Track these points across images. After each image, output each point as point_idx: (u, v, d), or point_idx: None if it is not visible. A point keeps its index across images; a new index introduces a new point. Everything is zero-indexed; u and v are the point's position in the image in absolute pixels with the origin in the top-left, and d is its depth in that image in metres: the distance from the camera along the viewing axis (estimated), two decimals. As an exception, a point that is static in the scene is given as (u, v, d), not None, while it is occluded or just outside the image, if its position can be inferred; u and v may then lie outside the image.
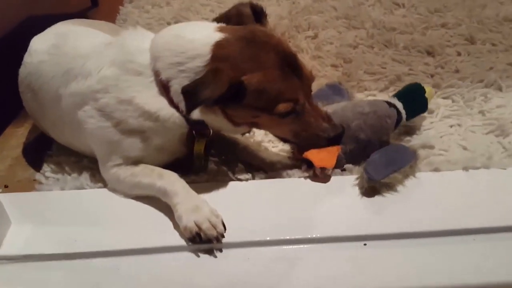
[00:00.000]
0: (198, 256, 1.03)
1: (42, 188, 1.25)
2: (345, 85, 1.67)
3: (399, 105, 1.36)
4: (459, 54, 1.88)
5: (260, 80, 1.08)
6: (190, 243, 1.03)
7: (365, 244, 1.04)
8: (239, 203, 1.15)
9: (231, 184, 1.20)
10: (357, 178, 1.20)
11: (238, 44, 1.10)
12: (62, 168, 1.33)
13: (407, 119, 1.38)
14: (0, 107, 1.62)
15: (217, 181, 1.21)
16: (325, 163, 1.19)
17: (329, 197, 1.17)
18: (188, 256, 1.03)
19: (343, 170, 1.23)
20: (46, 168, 1.35)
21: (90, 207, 1.16)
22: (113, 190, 1.19)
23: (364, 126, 1.25)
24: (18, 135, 1.60)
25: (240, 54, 1.09)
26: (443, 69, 1.78)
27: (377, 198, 1.16)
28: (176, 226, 1.06)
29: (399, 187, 1.18)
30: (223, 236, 1.02)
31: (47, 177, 1.32)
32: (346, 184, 1.20)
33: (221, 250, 1.03)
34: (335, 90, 1.48)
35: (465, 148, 1.34)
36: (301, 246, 1.04)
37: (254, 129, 1.40)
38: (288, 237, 1.05)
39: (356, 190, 1.18)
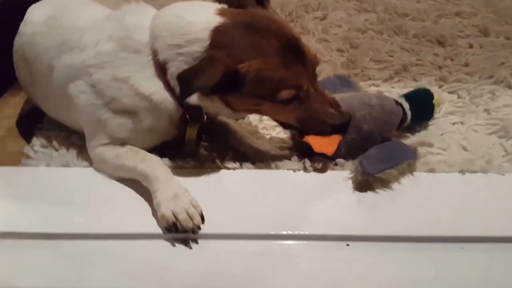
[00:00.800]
0: (174, 245, 0.98)
1: (29, 163, 1.21)
2: (349, 72, 1.61)
3: (406, 106, 1.29)
4: (470, 46, 1.78)
5: (258, 68, 1.02)
6: (166, 232, 0.97)
7: (347, 245, 0.98)
8: (222, 193, 1.10)
9: (217, 172, 1.15)
10: (350, 173, 1.14)
11: (238, 31, 1.04)
12: (51, 142, 1.28)
13: (411, 122, 1.31)
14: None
15: (204, 168, 1.16)
16: (325, 149, 1.14)
17: (317, 192, 1.12)
18: (165, 244, 0.98)
19: (335, 164, 1.16)
20: (36, 141, 1.30)
21: (74, 187, 1.12)
22: (98, 170, 1.15)
23: (368, 118, 1.18)
24: (13, 104, 1.56)
25: (239, 41, 1.03)
26: (452, 61, 1.69)
27: (369, 194, 1.10)
28: (155, 213, 1.01)
29: (394, 185, 1.12)
30: (199, 228, 0.98)
31: (35, 151, 1.27)
32: (337, 179, 1.14)
33: (196, 242, 0.98)
34: (343, 81, 1.41)
35: (465, 149, 1.27)
36: (280, 242, 0.99)
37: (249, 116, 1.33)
38: (268, 232, 1.00)
39: (347, 185, 1.12)
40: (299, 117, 1.11)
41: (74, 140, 1.27)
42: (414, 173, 1.15)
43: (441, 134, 1.33)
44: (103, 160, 1.13)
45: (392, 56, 1.71)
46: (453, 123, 1.38)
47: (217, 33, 1.04)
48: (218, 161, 1.16)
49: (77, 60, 1.12)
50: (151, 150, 1.15)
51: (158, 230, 1.00)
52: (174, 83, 1.06)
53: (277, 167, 1.16)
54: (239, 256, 0.96)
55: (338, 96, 1.20)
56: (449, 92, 1.52)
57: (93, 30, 1.13)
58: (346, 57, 1.71)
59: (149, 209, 1.04)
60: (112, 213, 1.05)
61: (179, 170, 1.14)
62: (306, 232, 1.00)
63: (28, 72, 1.30)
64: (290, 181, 1.13)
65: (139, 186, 1.09)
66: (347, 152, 1.18)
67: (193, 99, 1.06)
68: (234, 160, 1.19)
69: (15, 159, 1.27)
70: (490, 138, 1.32)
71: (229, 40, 1.03)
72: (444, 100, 1.42)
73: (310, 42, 1.81)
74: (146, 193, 1.07)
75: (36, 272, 0.94)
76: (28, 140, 1.35)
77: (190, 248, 0.98)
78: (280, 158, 1.18)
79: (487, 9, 2.02)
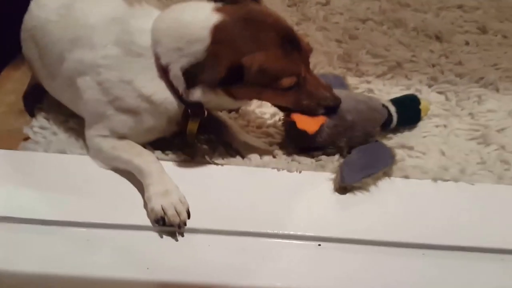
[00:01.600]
0: (162, 237, 1.10)
1: (27, 146, 1.31)
2: (345, 65, 1.68)
3: (392, 109, 1.38)
4: (467, 43, 1.85)
5: (262, 60, 1.11)
6: (155, 224, 1.09)
7: (319, 245, 1.10)
8: (209, 188, 1.20)
9: (206, 167, 1.25)
10: (331, 174, 1.24)
11: (237, 26, 1.13)
12: (50, 125, 1.38)
13: (400, 122, 1.39)
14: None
15: (194, 162, 1.26)
16: (308, 126, 1.22)
17: (298, 192, 1.22)
18: (153, 235, 1.10)
19: (317, 161, 1.27)
20: (35, 122, 1.40)
21: (70, 174, 1.22)
22: (93, 158, 1.25)
23: (353, 110, 1.27)
24: (14, 78, 1.64)
25: (240, 35, 1.12)
26: (447, 58, 1.76)
27: (347, 197, 1.20)
28: (146, 205, 1.13)
29: (372, 188, 1.23)
30: (185, 224, 1.09)
31: (35, 132, 1.38)
32: (319, 180, 1.24)
33: (182, 235, 1.10)
34: (338, 81, 1.50)
35: (443, 153, 1.36)
36: (260, 239, 1.10)
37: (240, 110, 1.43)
38: (249, 230, 1.11)
39: (328, 187, 1.22)
40: (296, 101, 1.21)
41: (71, 124, 1.37)
42: (391, 177, 1.25)
43: (424, 137, 1.43)
44: (100, 150, 1.23)
45: (388, 51, 1.78)
46: (437, 126, 1.47)
47: (217, 30, 1.12)
48: (207, 157, 1.26)
49: (87, 58, 1.20)
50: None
51: (148, 222, 1.11)
52: (177, 82, 1.15)
53: (263, 165, 1.27)
54: (221, 251, 1.08)
55: None
56: (438, 93, 1.60)
57: (102, 30, 1.20)
58: (343, 48, 1.78)
59: (141, 201, 1.15)
60: (105, 202, 1.15)
61: (170, 162, 1.24)
62: (285, 232, 1.11)
63: (37, 53, 1.37)
64: (274, 179, 1.24)
65: (132, 177, 1.19)
66: (328, 137, 1.27)
67: (197, 95, 1.15)
68: (225, 155, 1.29)
69: (14, 137, 1.37)
70: (469, 144, 1.41)
71: (230, 35, 1.12)
72: (429, 107, 1.49)
73: (310, 30, 1.88)
74: (138, 185, 1.18)
75: (30, 256, 1.05)
76: (28, 118, 1.44)
77: (177, 240, 1.10)
78: (268, 153, 1.28)
79: (490, 3, 2.07)
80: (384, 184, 1.24)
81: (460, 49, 1.80)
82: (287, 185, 1.23)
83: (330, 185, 1.23)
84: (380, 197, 1.20)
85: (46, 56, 1.32)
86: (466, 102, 1.56)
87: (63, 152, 1.28)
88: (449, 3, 2.07)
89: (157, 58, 1.15)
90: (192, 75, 1.11)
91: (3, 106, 1.53)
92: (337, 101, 1.23)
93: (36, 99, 1.50)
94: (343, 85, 1.49)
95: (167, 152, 1.28)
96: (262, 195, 1.20)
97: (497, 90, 1.61)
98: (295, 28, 1.77)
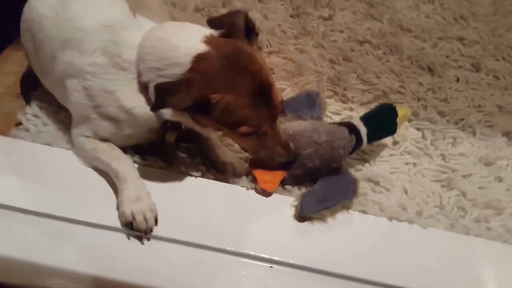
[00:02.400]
0: (129, 239, 1.23)
1: (16, 133, 1.44)
2: (333, 88, 1.78)
3: (363, 131, 1.46)
4: (457, 80, 1.94)
5: (229, 102, 1.18)
6: (123, 227, 1.23)
7: (271, 267, 1.24)
8: (179, 198, 1.33)
9: (180, 176, 1.38)
10: (295, 200, 1.37)
11: (219, 62, 1.19)
12: (42, 114, 1.50)
13: (373, 140, 1.50)
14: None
15: (169, 170, 1.39)
16: (268, 186, 1.36)
17: (261, 213, 1.35)
18: (121, 237, 1.24)
19: (283, 188, 1.39)
20: (29, 109, 1.53)
21: (53, 167, 1.35)
22: (77, 155, 1.38)
23: (314, 156, 1.37)
24: (14, 60, 1.75)
25: (218, 72, 1.18)
26: (433, 93, 1.86)
27: (305, 224, 1.33)
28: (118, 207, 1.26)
29: (329, 218, 1.35)
30: (151, 231, 1.22)
31: (27, 119, 1.50)
32: (282, 204, 1.36)
33: (148, 239, 1.23)
34: (310, 101, 1.59)
35: (405, 192, 1.48)
36: (218, 254, 1.24)
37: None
38: (208, 244, 1.24)
39: (291, 212, 1.35)
40: (252, 147, 1.32)
41: (61, 117, 1.49)
42: (350, 210, 1.38)
43: (391, 173, 1.54)
44: (82, 149, 1.35)
45: (378, 78, 1.88)
46: (407, 163, 1.58)
47: (199, 60, 1.19)
48: (182, 167, 1.38)
49: (76, 61, 1.30)
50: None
51: (118, 224, 1.24)
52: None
53: (234, 182, 1.39)
54: (180, 260, 1.21)
55: (292, 127, 1.41)
56: (416, 129, 1.71)
57: (93, 36, 1.30)
58: (335, 70, 1.88)
59: (115, 202, 1.28)
60: (81, 200, 1.29)
61: (146, 168, 1.37)
62: (241, 250, 1.24)
63: (33, 47, 1.47)
64: (241, 197, 1.36)
65: (110, 179, 1.32)
66: (293, 183, 1.41)
67: (168, 114, 1.26)
68: (200, 166, 1.42)
69: (7, 121, 1.50)
70: (433, 185, 1.53)
71: (209, 69, 1.19)
72: (408, 113, 1.59)
73: (306, 46, 1.97)
74: (114, 187, 1.30)
75: (10, 242, 1.19)
76: (23, 103, 1.56)
77: (142, 244, 1.23)
78: (240, 173, 1.40)
79: (490, 40, 2.15)
80: (342, 216, 1.36)
81: (449, 85, 1.90)
82: (252, 205, 1.36)
83: (292, 211, 1.35)
84: (335, 229, 1.33)
85: (40, 52, 1.43)
86: (440, 142, 1.66)
87: (49, 144, 1.40)
88: (450, 33, 2.15)
89: (139, 75, 1.25)
90: (162, 92, 1.16)
91: (1, 87, 1.65)
92: (291, 157, 1.32)
93: (33, 86, 1.61)
94: (314, 104, 1.58)
95: (147, 157, 1.41)
96: (227, 211, 1.33)
97: (474, 134, 1.71)
98: (293, 42, 1.90)
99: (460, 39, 2.14)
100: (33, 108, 1.53)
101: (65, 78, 1.33)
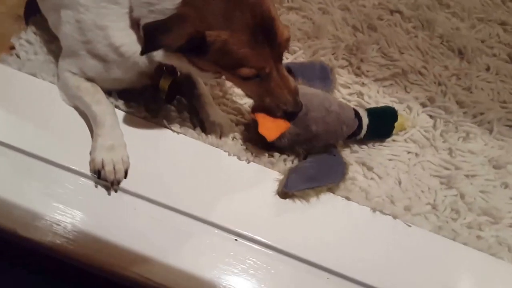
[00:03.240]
0: (96, 187, 1.21)
1: (7, 58, 1.40)
2: (349, 59, 1.67)
3: (365, 121, 1.40)
4: (488, 68, 1.80)
5: (225, 40, 1.09)
6: (92, 174, 1.20)
7: (236, 240, 1.20)
8: (157, 153, 1.29)
9: (162, 130, 1.33)
10: (280, 175, 1.31)
11: None
12: (35, 41, 1.46)
13: (368, 135, 1.43)
14: None
15: (151, 121, 1.33)
16: (267, 133, 1.27)
17: (241, 183, 1.29)
18: (88, 184, 1.21)
19: (270, 156, 1.33)
20: (24, 34, 1.48)
21: (33, 100, 1.32)
22: (60, 89, 1.34)
23: (320, 121, 1.31)
24: (21, -20, 1.69)
25: (213, 6, 1.09)
26: (458, 80, 1.74)
27: (286, 202, 1.28)
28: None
29: (313, 199, 1.29)
30: (118, 183, 1.19)
31: (20, 45, 1.47)
32: (268, 177, 1.30)
33: (116, 191, 1.20)
34: (324, 74, 1.51)
35: (399, 183, 1.40)
36: (183, 217, 1.20)
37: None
38: (175, 206, 1.20)
39: (272, 186, 1.29)
40: (256, 92, 1.24)
41: (53, 47, 1.44)
42: (334, 194, 1.31)
43: (389, 160, 1.46)
44: (66, 84, 1.31)
45: (402, 53, 1.76)
46: (408, 152, 1.49)
47: None
48: (165, 121, 1.33)
49: None
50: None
51: (87, 170, 1.21)
52: None
53: (219, 145, 1.33)
54: (143, 218, 1.18)
55: (304, 89, 1.33)
56: (429, 116, 1.60)
57: None
58: (355, 38, 1.76)
59: (89, 147, 1.25)
60: (56, 139, 1.26)
61: (128, 116, 1.32)
62: (207, 218, 1.20)
63: None
64: (222, 162, 1.31)
65: (89, 122, 1.28)
66: (289, 143, 1.33)
67: (159, 55, 1.17)
68: (186, 122, 1.36)
69: (2, 43, 1.46)
70: (431, 180, 1.44)
71: (203, 2, 1.08)
72: (407, 124, 1.51)
73: (331, 6, 1.84)
74: (92, 131, 1.27)
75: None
76: (26, 23, 1.52)
77: (109, 194, 1.20)
78: (228, 134, 1.35)
79: (537, 29, 1.97)
80: (325, 199, 1.30)
81: (477, 73, 1.76)
82: (233, 173, 1.30)
83: (274, 186, 1.29)
84: (314, 211, 1.27)
85: None
86: (451, 135, 1.56)
87: (34, 74, 1.36)
88: (493, 16, 1.99)
89: (131, 10, 1.17)
90: (152, 32, 1.08)
91: (3, 7, 1.60)
92: (298, 108, 1.24)
93: (36, 8, 1.55)
94: (327, 78, 1.50)
95: (131, 104, 1.35)
96: (203, 175, 1.28)
97: (491, 131, 1.60)
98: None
99: (503, 24, 1.98)
100: (28, 34, 1.49)
101: (60, 7, 1.27)
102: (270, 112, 1.25)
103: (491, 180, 1.48)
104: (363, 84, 1.63)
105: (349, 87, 1.60)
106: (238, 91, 1.49)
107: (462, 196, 1.41)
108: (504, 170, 1.50)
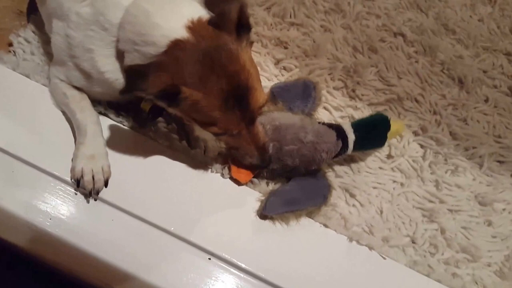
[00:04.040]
0: (76, 193, 1.24)
1: (3, 56, 1.43)
2: (345, 80, 1.67)
3: (351, 138, 1.40)
4: (486, 100, 1.79)
5: (197, 100, 1.11)
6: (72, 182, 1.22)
7: (209, 259, 1.22)
8: (141, 164, 1.32)
9: (146, 141, 1.35)
10: (262, 196, 1.33)
11: (195, 54, 1.10)
12: (33, 41, 1.49)
13: (358, 149, 1.43)
14: None
15: (137, 132, 1.36)
16: (240, 177, 1.32)
17: (223, 202, 1.32)
18: (68, 190, 1.24)
19: (251, 180, 1.35)
20: (22, 32, 1.51)
21: (24, 102, 1.35)
22: (51, 93, 1.37)
23: (295, 154, 1.32)
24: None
25: (192, 65, 1.10)
26: (454, 110, 1.73)
27: (265, 223, 1.30)
28: (72, 160, 1.26)
29: (292, 222, 1.31)
30: (97, 193, 1.22)
31: (18, 42, 1.50)
32: (248, 196, 1.33)
33: (95, 199, 1.23)
34: (306, 93, 1.51)
35: (380, 212, 1.41)
36: (159, 232, 1.23)
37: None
38: (152, 220, 1.23)
39: (253, 207, 1.31)
40: (226, 143, 1.28)
41: (50, 49, 1.45)
42: (313, 220, 1.32)
43: (374, 187, 1.47)
44: (55, 90, 1.34)
45: (400, 78, 1.75)
46: (394, 181, 1.50)
47: (176, 46, 1.10)
48: (151, 133, 1.35)
49: (66, 5, 1.25)
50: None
51: (68, 176, 1.24)
52: None
53: (201, 160, 1.35)
54: (120, 230, 1.21)
55: (279, 119, 1.35)
56: (419, 145, 1.61)
57: None
58: (354, 59, 1.76)
59: (72, 154, 1.27)
60: (43, 143, 1.29)
61: (115, 125, 1.34)
62: (183, 235, 1.23)
63: None
64: (204, 179, 1.33)
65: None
66: (269, 177, 1.37)
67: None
68: (173, 135, 1.38)
69: (1, 39, 1.49)
70: (413, 212, 1.45)
71: (184, 58, 1.09)
72: (402, 129, 1.52)
73: (334, 24, 1.85)
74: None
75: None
76: (27, 19, 1.55)
77: (88, 202, 1.23)
78: (211, 152, 1.37)
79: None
80: (303, 223, 1.32)
81: (475, 104, 1.76)
82: (214, 190, 1.32)
83: (255, 206, 1.31)
84: (293, 237, 1.29)
85: None
86: (440, 167, 1.56)
87: (28, 76, 1.39)
88: (499, 46, 1.97)
89: (117, 40, 1.19)
90: (132, 76, 1.10)
91: (6, 1, 1.63)
92: (264, 163, 1.26)
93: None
94: (309, 97, 1.50)
95: (121, 113, 1.38)
96: (185, 190, 1.31)
97: (481, 166, 1.60)
98: (321, 17, 1.79)
99: (508, 54, 1.97)
100: (27, 32, 1.52)
101: (53, 17, 1.30)
102: (238, 161, 1.29)
103: (474, 216, 1.48)
104: (356, 108, 1.63)
105: (341, 110, 1.61)
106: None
107: (442, 231, 1.42)
108: (489, 208, 1.50)
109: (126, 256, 1.19)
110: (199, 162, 1.35)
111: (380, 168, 1.51)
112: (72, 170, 1.22)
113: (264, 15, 1.80)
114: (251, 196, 1.33)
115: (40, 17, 1.52)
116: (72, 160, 1.25)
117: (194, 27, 1.12)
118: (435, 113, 1.70)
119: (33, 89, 1.38)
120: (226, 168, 1.35)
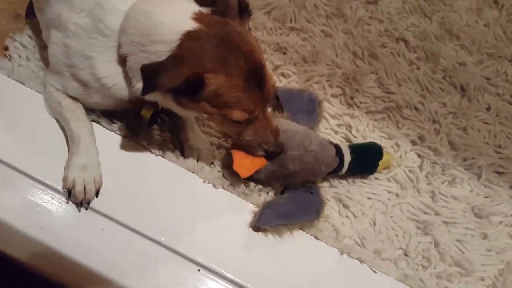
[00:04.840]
0: (67, 202, 1.26)
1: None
2: (343, 87, 1.67)
3: (347, 159, 1.42)
4: (488, 108, 1.78)
5: (222, 83, 1.14)
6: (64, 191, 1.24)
7: (198, 270, 1.23)
8: (133, 173, 1.33)
9: (139, 150, 1.36)
10: (255, 207, 1.34)
11: (210, 40, 1.14)
12: (29, 45, 1.50)
13: (351, 171, 1.44)
14: None
15: (131, 140, 1.37)
16: (241, 170, 1.31)
17: (213, 212, 1.33)
18: (60, 199, 1.26)
19: (245, 186, 1.36)
20: (19, 37, 1.53)
21: (18, 109, 1.37)
22: (45, 100, 1.38)
23: (297, 160, 1.33)
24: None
25: (209, 51, 1.13)
26: (455, 118, 1.73)
27: (257, 235, 1.31)
28: (65, 169, 1.27)
29: (285, 235, 1.32)
30: (88, 204, 1.24)
31: (14, 47, 1.52)
32: (241, 208, 1.34)
33: (86, 208, 1.25)
34: (310, 107, 1.52)
35: (373, 224, 1.42)
36: (149, 243, 1.24)
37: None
38: (142, 231, 1.25)
39: (246, 218, 1.32)
40: (240, 134, 1.27)
41: (45, 54, 1.46)
42: (305, 232, 1.33)
43: (368, 198, 1.47)
44: (49, 98, 1.36)
45: (400, 86, 1.75)
46: (389, 192, 1.50)
47: (189, 37, 1.13)
48: (144, 142, 1.36)
49: (64, 16, 1.26)
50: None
51: (60, 185, 1.26)
52: (132, 74, 1.21)
53: (194, 170, 1.36)
54: (109, 239, 1.23)
55: (287, 125, 1.36)
56: (417, 155, 1.60)
57: None
58: (354, 66, 1.76)
59: (64, 163, 1.29)
60: (36, 151, 1.31)
61: (109, 133, 1.36)
62: (173, 246, 1.24)
63: None
64: (196, 189, 1.35)
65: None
66: (265, 178, 1.37)
67: (138, 90, 1.18)
68: (166, 144, 1.39)
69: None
70: (407, 224, 1.45)
71: (200, 47, 1.13)
72: (392, 161, 1.52)
73: (335, 30, 1.84)
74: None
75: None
76: (26, 21, 1.57)
77: (79, 211, 1.25)
78: (206, 160, 1.38)
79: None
80: (296, 236, 1.33)
81: (476, 113, 1.75)
82: (205, 201, 1.34)
83: (247, 217, 1.32)
84: (284, 249, 1.30)
85: None
86: (437, 178, 1.56)
87: (22, 83, 1.40)
88: (504, 52, 1.96)
89: (119, 46, 1.21)
90: (150, 74, 1.11)
91: (3, 3, 1.64)
92: (279, 149, 1.28)
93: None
94: (313, 112, 1.52)
95: (114, 121, 1.39)
96: (176, 201, 1.32)
97: (479, 177, 1.59)
98: (322, 21, 1.79)
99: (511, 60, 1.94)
100: (23, 37, 1.53)
101: (51, 27, 1.32)
102: (250, 150, 1.29)
103: (470, 229, 1.48)
104: (353, 116, 1.63)
105: (338, 118, 1.61)
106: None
107: (436, 244, 1.42)
108: (485, 220, 1.50)
109: (115, 266, 1.20)
110: (191, 172, 1.36)
111: (376, 178, 1.52)
112: (64, 180, 1.24)
113: (264, 19, 1.79)
114: (242, 207, 1.34)
115: (37, 22, 1.54)
116: (64, 169, 1.26)
117: (199, 18, 1.16)
118: (434, 121, 1.69)
119: (27, 96, 1.39)
120: (219, 178, 1.36)
